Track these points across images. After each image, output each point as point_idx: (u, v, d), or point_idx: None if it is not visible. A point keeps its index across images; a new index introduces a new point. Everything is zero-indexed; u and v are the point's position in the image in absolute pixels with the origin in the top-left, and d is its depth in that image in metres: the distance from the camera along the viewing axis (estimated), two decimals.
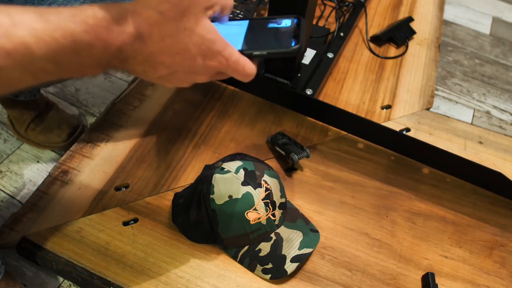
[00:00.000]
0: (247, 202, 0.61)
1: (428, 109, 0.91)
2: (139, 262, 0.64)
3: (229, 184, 0.61)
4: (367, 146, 0.82)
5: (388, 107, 0.89)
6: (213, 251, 0.66)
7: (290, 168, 0.77)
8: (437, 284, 0.64)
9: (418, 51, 1.03)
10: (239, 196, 0.60)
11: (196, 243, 0.66)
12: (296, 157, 0.73)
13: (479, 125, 0.95)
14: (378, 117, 0.87)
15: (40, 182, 0.76)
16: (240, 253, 0.64)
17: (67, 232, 0.66)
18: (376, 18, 1.10)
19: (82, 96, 0.99)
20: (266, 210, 0.62)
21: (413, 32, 1.05)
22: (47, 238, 0.65)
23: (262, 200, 0.61)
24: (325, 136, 0.83)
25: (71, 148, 0.77)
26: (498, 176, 0.72)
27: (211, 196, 0.61)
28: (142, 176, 0.74)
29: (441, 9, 1.17)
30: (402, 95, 0.92)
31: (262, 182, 0.62)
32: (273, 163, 0.78)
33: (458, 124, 0.88)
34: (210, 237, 0.64)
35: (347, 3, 1.08)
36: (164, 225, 0.68)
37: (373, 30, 1.06)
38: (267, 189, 0.62)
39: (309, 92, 0.85)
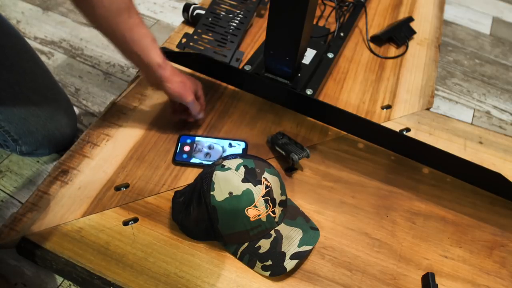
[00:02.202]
0: (247, 199, 0.61)
1: (428, 109, 0.91)
2: (139, 262, 0.64)
3: (229, 181, 0.61)
4: (367, 146, 0.82)
5: (388, 107, 0.89)
6: (213, 250, 0.66)
7: (290, 168, 0.77)
8: (437, 284, 0.64)
9: (418, 51, 1.03)
10: (239, 193, 0.61)
11: (196, 243, 0.66)
12: (296, 157, 0.73)
13: (479, 125, 0.95)
14: (378, 117, 0.87)
15: (40, 182, 0.76)
16: (240, 250, 0.64)
17: (67, 232, 0.66)
18: (376, 18, 1.10)
19: (82, 96, 0.99)
20: (266, 207, 0.62)
21: (413, 32, 1.05)
22: (47, 238, 0.65)
23: (262, 197, 0.61)
24: (325, 136, 0.83)
25: (71, 148, 0.77)
26: (497, 177, 0.72)
27: (211, 192, 0.61)
28: (142, 176, 0.74)
29: (441, 9, 1.17)
30: (402, 95, 0.92)
31: (262, 179, 0.63)
32: (273, 163, 0.78)
33: (458, 124, 0.88)
34: (210, 234, 0.64)
35: (347, 3, 1.08)
36: (164, 225, 0.68)
37: (373, 30, 1.06)
38: (267, 186, 0.62)
39: (309, 92, 0.85)
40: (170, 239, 0.66)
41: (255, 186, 0.61)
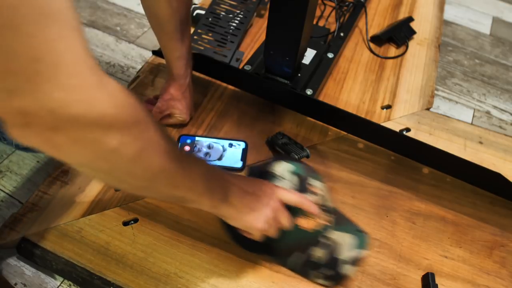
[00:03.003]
0: (298, 208, 0.59)
1: (428, 109, 0.91)
2: (139, 262, 0.64)
3: None
4: (367, 146, 0.82)
5: (388, 107, 0.89)
6: (213, 251, 0.66)
7: None
8: (437, 284, 0.64)
9: (418, 51, 1.03)
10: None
11: (196, 243, 0.66)
12: (296, 157, 0.73)
13: (479, 125, 0.95)
14: (378, 117, 0.87)
15: (40, 182, 0.76)
16: (294, 261, 0.62)
17: (67, 232, 0.66)
18: (376, 18, 1.10)
19: None
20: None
21: (413, 32, 1.05)
22: (47, 238, 0.65)
23: None
24: (325, 136, 0.83)
25: None
26: (497, 177, 0.72)
27: None
28: None
29: (441, 9, 1.17)
30: (402, 95, 0.92)
31: (313, 188, 0.62)
32: None
33: (458, 124, 0.88)
34: (264, 246, 0.62)
35: (347, 3, 1.08)
36: (164, 225, 0.68)
37: (373, 30, 1.06)
38: (318, 194, 0.62)
39: (309, 92, 0.85)
40: (170, 239, 0.66)
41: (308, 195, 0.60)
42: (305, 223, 0.60)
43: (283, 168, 0.62)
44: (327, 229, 0.62)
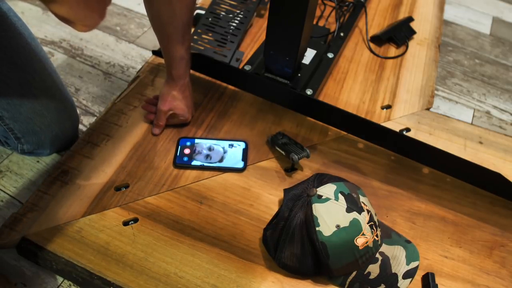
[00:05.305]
0: (356, 228, 0.59)
1: (428, 109, 0.91)
2: (139, 262, 0.64)
3: (333, 213, 0.59)
4: (367, 146, 0.82)
5: (388, 107, 0.89)
6: (213, 251, 0.66)
7: (290, 168, 0.77)
8: (437, 284, 0.64)
9: (418, 51, 1.03)
10: (347, 224, 0.59)
11: (196, 243, 0.66)
12: (296, 157, 0.73)
13: (479, 125, 0.95)
14: (378, 117, 0.87)
15: (40, 182, 0.76)
16: (349, 280, 0.62)
17: (67, 232, 0.66)
18: (376, 18, 1.10)
19: (82, 96, 0.99)
20: (372, 233, 0.60)
21: (413, 32, 1.05)
22: (47, 238, 0.65)
23: (367, 223, 0.60)
24: (325, 136, 0.83)
25: (71, 148, 0.77)
26: (497, 177, 0.72)
27: (317, 228, 0.59)
28: (142, 176, 0.74)
29: (441, 9, 1.17)
30: (402, 95, 0.92)
31: (362, 205, 0.61)
32: (273, 163, 0.78)
33: (458, 124, 0.88)
34: (318, 269, 0.63)
35: (347, 3, 1.08)
36: (164, 225, 0.68)
37: (373, 30, 1.06)
38: (368, 211, 0.61)
39: (309, 92, 0.85)
40: (170, 239, 0.66)
41: (360, 214, 0.60)
42: (359, 241, 0.59)
43: (329, 189, 0.62)
44: (378, 244, 0.62)
